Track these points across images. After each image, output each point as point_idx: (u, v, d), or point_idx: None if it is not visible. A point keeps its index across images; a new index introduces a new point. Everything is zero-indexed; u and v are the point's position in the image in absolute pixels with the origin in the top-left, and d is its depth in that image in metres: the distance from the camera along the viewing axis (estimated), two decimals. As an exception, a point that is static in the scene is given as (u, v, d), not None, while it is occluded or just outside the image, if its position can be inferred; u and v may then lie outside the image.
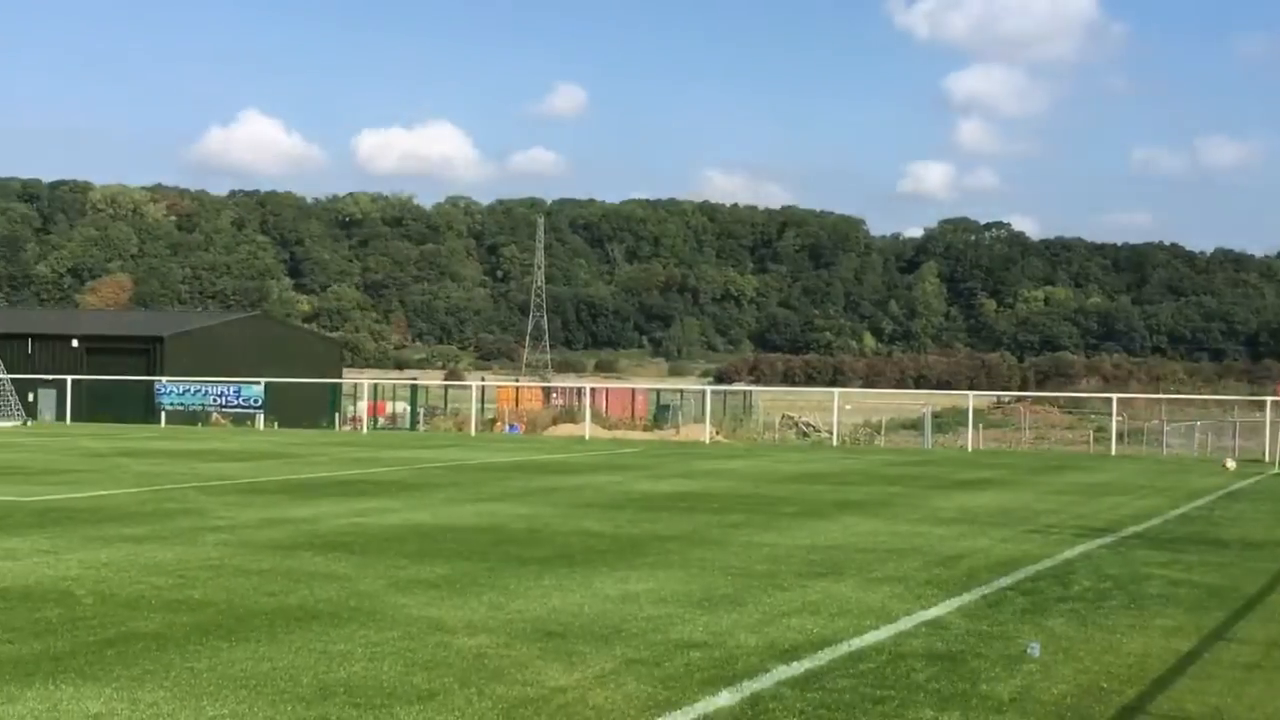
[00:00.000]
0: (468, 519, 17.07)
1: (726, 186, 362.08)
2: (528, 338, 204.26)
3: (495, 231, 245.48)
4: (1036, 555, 14.27)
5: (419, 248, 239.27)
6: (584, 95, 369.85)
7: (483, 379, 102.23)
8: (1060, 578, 12.63)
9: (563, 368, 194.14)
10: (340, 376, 69.20)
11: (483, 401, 54.87)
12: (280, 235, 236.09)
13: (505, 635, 9.48)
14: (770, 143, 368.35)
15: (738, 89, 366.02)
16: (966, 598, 11.42)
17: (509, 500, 19.75)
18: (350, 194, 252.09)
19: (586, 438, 42.32)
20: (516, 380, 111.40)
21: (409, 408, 57.47)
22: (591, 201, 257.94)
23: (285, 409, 52.35)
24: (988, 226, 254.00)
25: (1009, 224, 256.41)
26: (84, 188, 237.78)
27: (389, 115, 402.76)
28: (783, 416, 61.14)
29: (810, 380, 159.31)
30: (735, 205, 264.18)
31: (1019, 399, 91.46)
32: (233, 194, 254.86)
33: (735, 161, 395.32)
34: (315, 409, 56.19)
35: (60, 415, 51.87)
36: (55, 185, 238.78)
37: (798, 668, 8.57)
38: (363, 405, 53.84)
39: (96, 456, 28.72)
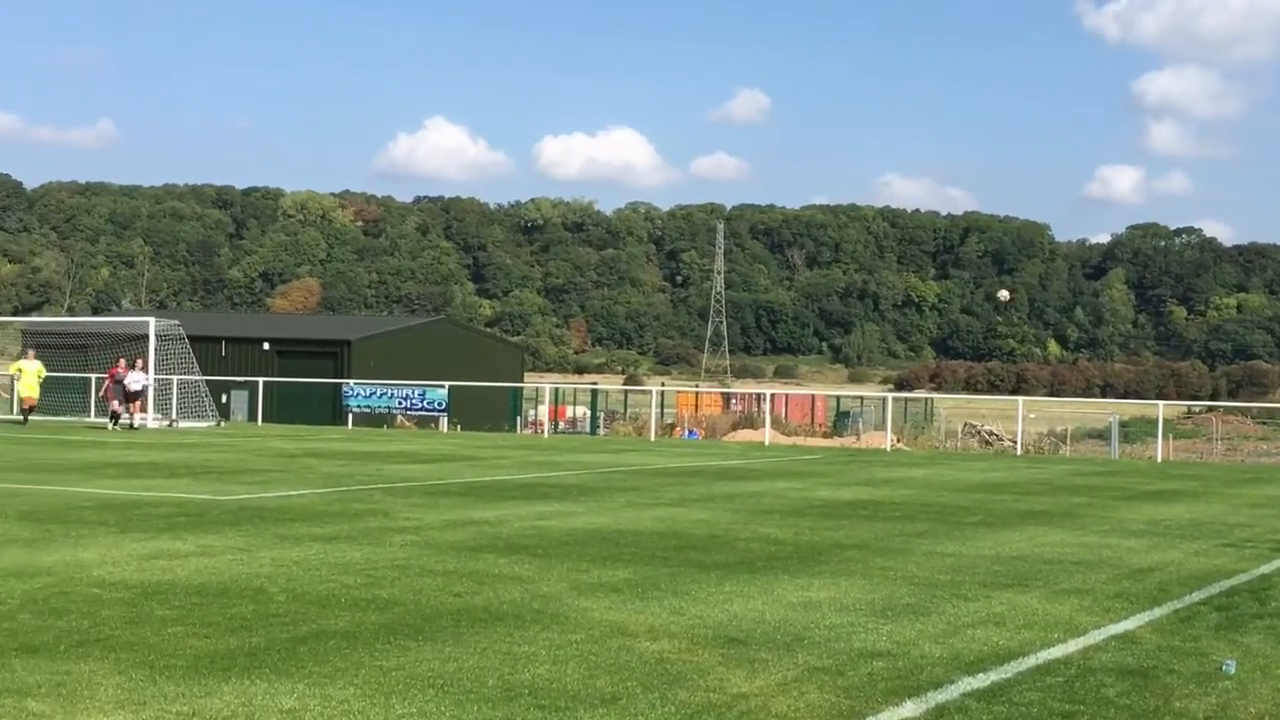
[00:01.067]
0: (648, 523, 17.13)
1: (908, 191, 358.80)
2: (707, 343, 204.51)
3: (675, 237, 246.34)
4: (1231, 570, 13.87)
5: (599, 253, 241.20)
6: (766, 101, 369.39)
7: (662, 384, 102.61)
8: (1256, 593, 12.25)
9: (741, 373, 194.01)
10: (521, 380, 69.99)
11: (662, 406, 55.08)
12: (463, 241, 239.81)
13: (687, 641, 9.49)
14: (953, 147, 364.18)
15: (921, 93, 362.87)
16: (1157, 612, 11.13)
17: (689, 505, 19.77)
18: (532, 200, 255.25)
19: (766, 444, 42.21)
20: (696, 385, 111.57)
21: (589, 412, 57.92)
22: (772, 207, 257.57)
23: (467, 412, 53.08)
24: (1178, 232, 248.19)
25: (1200, 229, 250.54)
26: (275, 194, 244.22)
27: (572, 121, 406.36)
28: (965, 424, 60.35)
29: (993, 388, 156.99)
30: (917, 210, 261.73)
31: (1210, 409, 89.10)
32: (418, 200, 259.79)
33: (917, 166, 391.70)
34: (497, 412, 56.91)
35: (252, 416, 53.26)
36: (248, 192, 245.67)
37: (983, 680, 8.44)
38: (543, 409, 54.39)
39: (286, 457, 29.42)
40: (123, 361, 41.50)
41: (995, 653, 9.29)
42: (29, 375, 42.13)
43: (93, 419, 47.33)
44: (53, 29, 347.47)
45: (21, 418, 42.60)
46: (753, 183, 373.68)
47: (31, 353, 43.68)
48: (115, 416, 40.84)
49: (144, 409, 42.02)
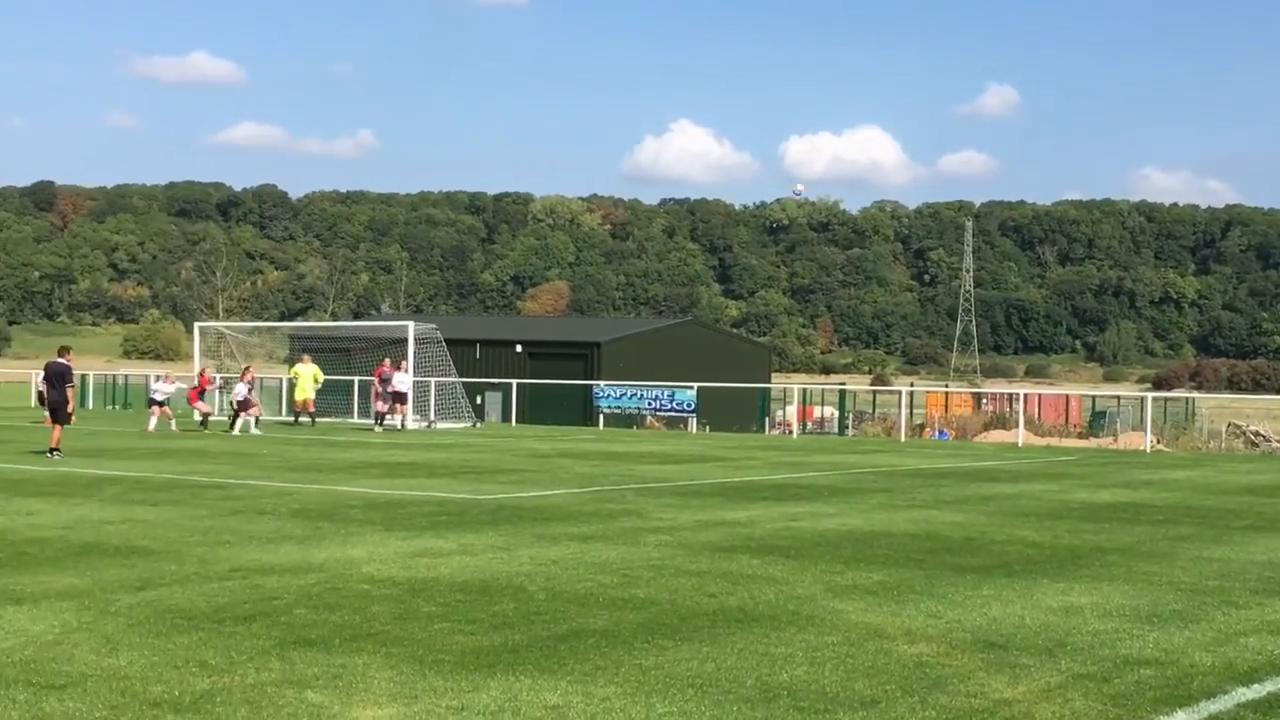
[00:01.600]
0: (901, 525, 16.98)
1: (1165, 185, 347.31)
2: (956, 342, 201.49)
3: (923, 235, 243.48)
4: None
5: (845, 252, 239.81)
6: (1015, 95, 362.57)
7: (911, 384, 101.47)
8: None
9: (991, 373, 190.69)
10: (769, 381, 69.98)
11: (911, 407, 54.52)
12: (709, 242, 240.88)
13: (945, 644, 9.39)
14: (1213, 139, 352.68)
15: (1178, 84, 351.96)
16: None
17: (942, 507, 19.53)
18: (778, 200, 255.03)
19: (1020, 445, 41.41)
20: (945, 385, 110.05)
21: (837, 412, 57.60)
22: (1022, 203, 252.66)
23: (716, 413, 53.28)
24: None
25: None
26: (525, 199, 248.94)
27: (817, 121, 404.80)
28: (1229, 425, 58.24)
29: (1258, 387, 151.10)
30: (1175, 204, 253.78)
31: None
32: (664, 202, 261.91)
33: (1175, 159, 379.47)
34: (745, 413, 56.98)
35: (505, 417, 54.34)
36: (499, 197, 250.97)
37: (1259, 690, 8.16)
38: (791, 410, 54.25)
39: (540, 457, 29.96)
40: (387, 361, 42.64)
41: (1271, 663, 8.97)
42: (304, 379, 43.54)
43: (356, 420, 48.89)
44: (319, 45, 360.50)
45: (293, 419, 44.25)
46: (1002, 179, 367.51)
47: (306, 357, 45.09)
48: (380, 417, 41.85)
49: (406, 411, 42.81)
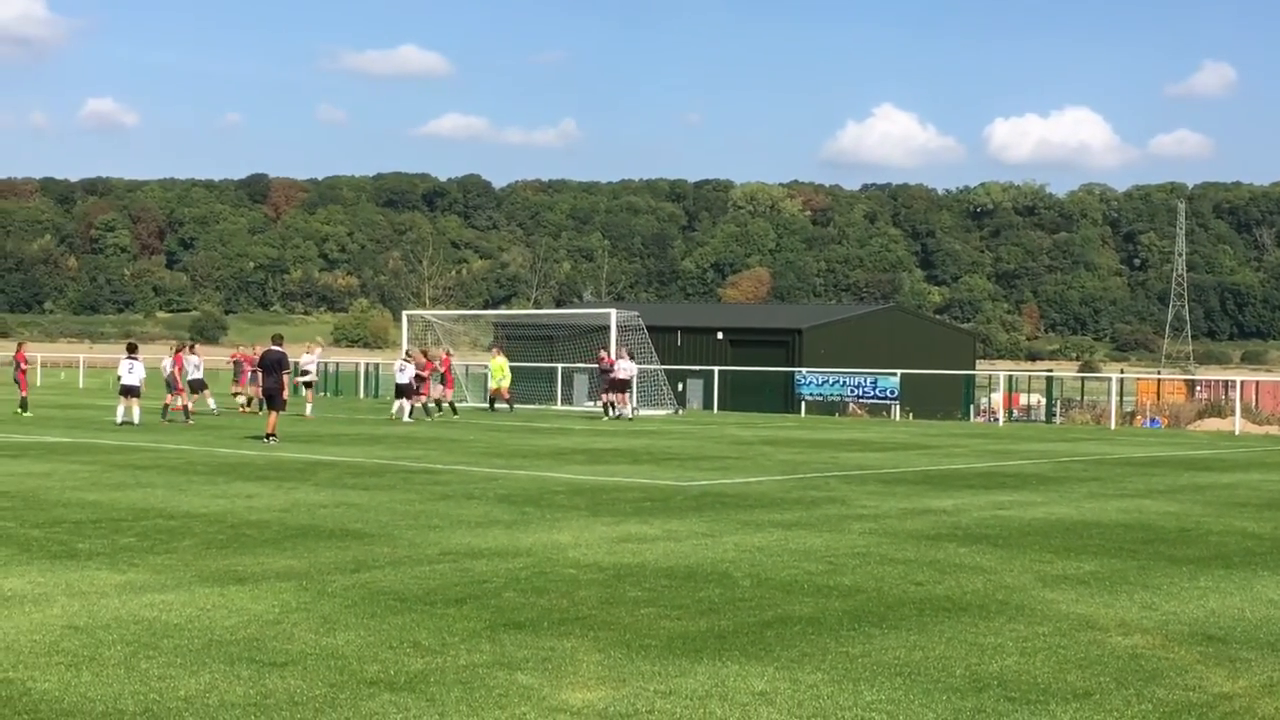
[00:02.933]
0: (1112, 515, 16.60)
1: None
2: (1167, 328, 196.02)
3: (1133, 218, 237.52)
4: None
5: (1052, 237, 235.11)
6: (1232, 73, 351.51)
7: (1121, 371, 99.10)
8: None
9: (1205, 359, 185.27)
10: (973, 368, 68.95)
11: (1121, 394, 53.27)
12: (911, 227, 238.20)
13: (1161, 636, 9.17)
14: None
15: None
16: None
17: (1155, 497, 19.05)
18: (982, 184, 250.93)
19: (1237, 433, 40.17)
20: (1158, 372, 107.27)
21: (1044, 400, 56.51)
22: (1238, 184, 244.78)
23: (919, 400, 52.69)
24: None
25: None
26: (725, 186, 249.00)
27: (1024, 103, 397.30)
28: None
29: None
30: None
31: None
32: (865, 188, 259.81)
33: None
34: (949, 400, 56.23)
35: (707, 404, 54.44)
36: (700, 185, 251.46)
37: None
38: (997, 397, 53.39)
39: (742, 444, 29.97)
40: (605, 352, 42.80)
41: None
42: (495, 369, 44.52)
43: (558, 407, 49.44)
44: (525, 36, 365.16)
45: (489, 405, 45.04)
46: (1217, 160, 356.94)
47: (496, 349, 46.34)
48: (609, 406, 41.11)
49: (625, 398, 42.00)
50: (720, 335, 63.84)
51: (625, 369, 41.37)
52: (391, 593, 10.45)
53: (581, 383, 53.95)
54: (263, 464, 22.42)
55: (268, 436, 27.61)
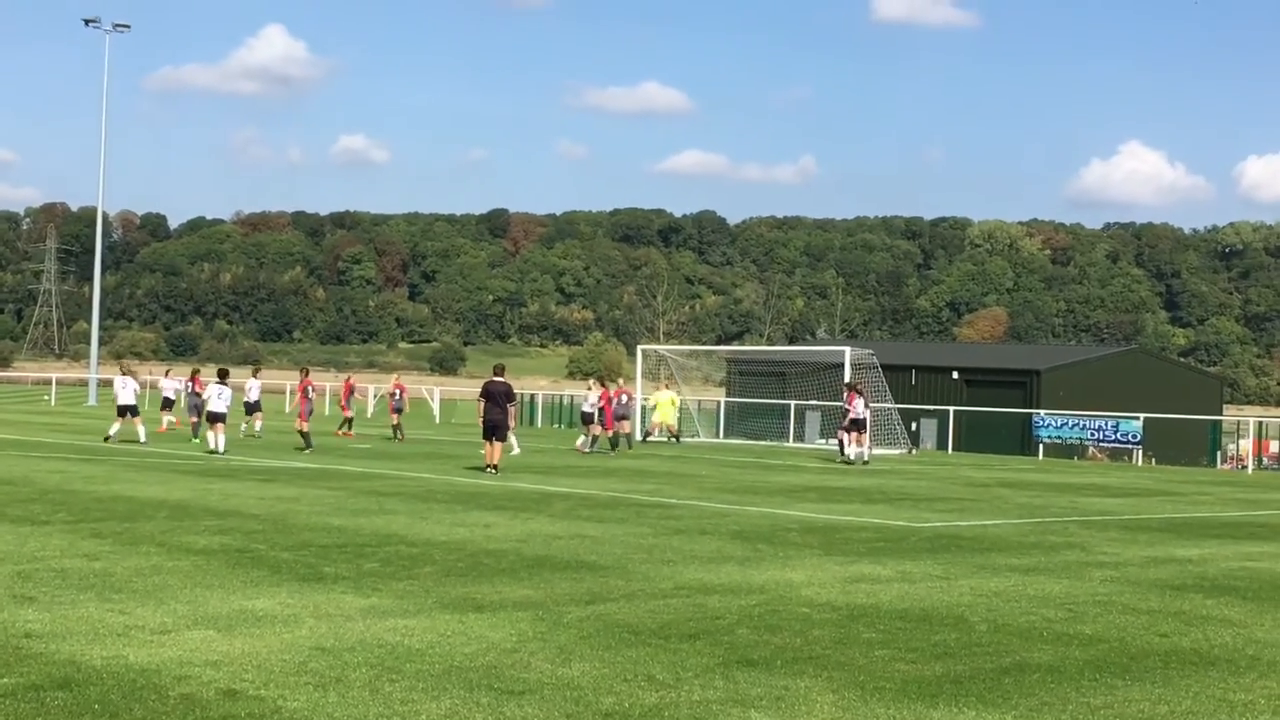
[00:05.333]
0: (1371, 570, 15.88)
1: None
2: None
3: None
4: None
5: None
6: None
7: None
8: None
9: None
10: (1220, 413, 66.69)
11: (1380, 443, 50.94)
12: (1156, 268, 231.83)
13: None
14: None
15: None
16: None
17: None
18: (1231, 224, 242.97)
19: None
20: None
21: (1296, 447, 54.32)
22: None
23: (1162, 445, 51.14)
24: None
25: None
26: (962, 224, 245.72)
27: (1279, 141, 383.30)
28: None
29: None
30: None
31: None
32: (1107, 226, 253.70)
33: None
34: (1193, 446, 54.46)
35: (941, 444, 53.70)
36: (936, 222, 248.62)
37: None
38: (1245, 444, 51.53)
39: (978, 486, 29.48)
40: (850, 394, 42.28)
41: None
42: (664, 403, 44.71)
43: (790, 444, 49.27)
44: (767, 73, 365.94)
45: (665, 438, 45.20)
46: None
47: (664, 384, 47.40)
48: (843, 446, 40.13)
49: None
50: (955, 375, 62.92)
51: (859, 408, 40.72)
52: (625, 626, 10.54)
53: (814, 420, 53.72)
54: (499, 494, 22.82)
55: (489, 468, 27.83)
